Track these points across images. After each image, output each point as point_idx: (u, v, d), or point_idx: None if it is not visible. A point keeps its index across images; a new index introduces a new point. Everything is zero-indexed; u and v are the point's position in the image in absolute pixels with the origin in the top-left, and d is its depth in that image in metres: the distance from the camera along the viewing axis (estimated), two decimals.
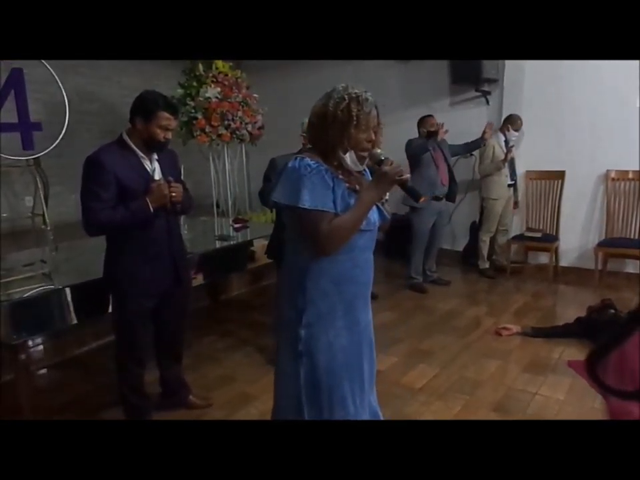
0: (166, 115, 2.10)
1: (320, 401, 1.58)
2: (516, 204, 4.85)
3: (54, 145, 3.86)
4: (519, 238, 4.77)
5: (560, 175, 4.66)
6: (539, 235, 4.62)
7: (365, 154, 1.53)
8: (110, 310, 2.37)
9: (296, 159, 1.50)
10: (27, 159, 3.91)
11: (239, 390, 2.79)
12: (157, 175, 2.21)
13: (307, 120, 2.85)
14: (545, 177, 4.76)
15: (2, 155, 3.70)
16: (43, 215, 4.16)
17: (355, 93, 1.47)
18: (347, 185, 1.51)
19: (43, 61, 3.80)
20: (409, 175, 1.55)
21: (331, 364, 1.56)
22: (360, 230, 1.50)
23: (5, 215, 4.16)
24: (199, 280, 2.93)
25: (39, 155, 3.91)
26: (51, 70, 3.88)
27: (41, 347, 3.22)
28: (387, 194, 1.60)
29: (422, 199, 1.65)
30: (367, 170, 1.65)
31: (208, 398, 2.67)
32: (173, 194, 2.16)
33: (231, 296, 4.45)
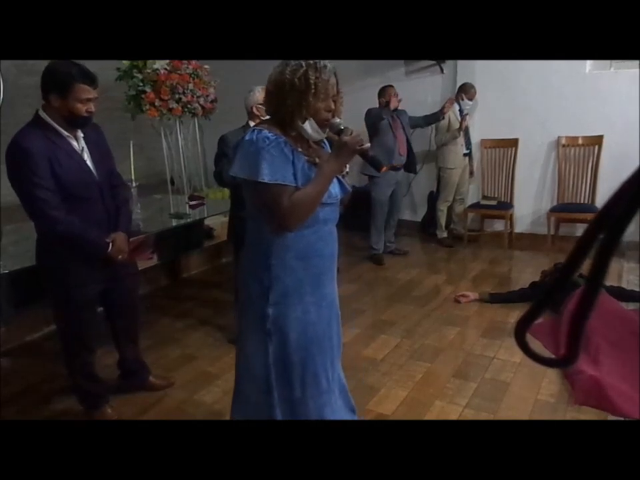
0: (83, 86, 1.91)
1: (291, 379, 1.56)
2: (471, 173, 4.92)
3: None
4: (475, 206, 4.86)
5: (513, 143, 4.73)
6: (494, 202, 4.72)
7: (325, 123, 1.47)
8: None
9: (253, 131, 1.43)
10: None
11: (200, 369, 2.75)
12: (86, 155, 2.06)
13: (255, 90, 2.77)
14: (499, 145, 4.84)
15: None
16: None
17: (313, 60, 1.40)
18: (307, 157, 1.46)
19: None
20: (369, 145, 1.51)
21: (302, 340, 1.54)
22: (322, 203, 1.46)
23: None
24: (154, 260, 2.84)
25: None
26: None
27: None
28: (348, 166, 1.56)
29: (383, 168, 1.64)
30: (325, 142, 1.61)
31: (169, 378, 2.63)
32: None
33: (190, 274, 4.36)
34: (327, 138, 1.57)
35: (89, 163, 2.06)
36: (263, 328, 1.52)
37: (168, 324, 3.34)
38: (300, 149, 1.46)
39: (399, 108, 4.30)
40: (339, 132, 1.47)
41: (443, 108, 4.53)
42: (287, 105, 1.41)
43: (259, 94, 2.73)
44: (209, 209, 3.62)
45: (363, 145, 1.47)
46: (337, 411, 1.70)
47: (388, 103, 4.16)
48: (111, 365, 2.55)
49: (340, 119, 1.51)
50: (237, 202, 2.80)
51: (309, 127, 1.45)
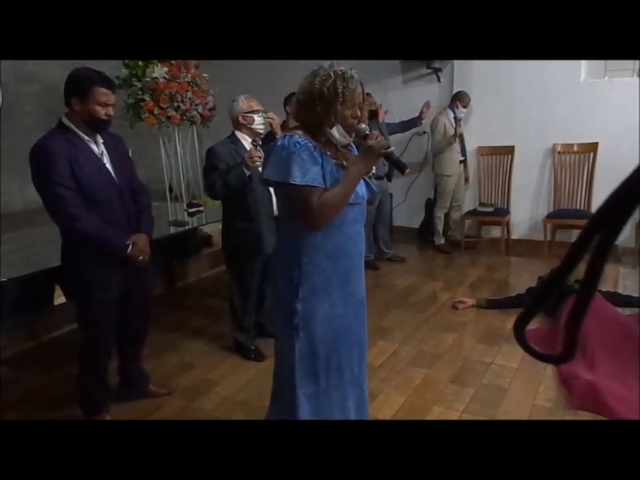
0: (103, 90, 1.99)
1: (316, 372, 1.62)
2: (467, 180, 4.95)
3: None
4: (472, 213, 4.89)
5: (510, 150, 4.77)
6: (491, 209, 4.75)
7: (351, 129, 1.57)
8: (59, 302, 2.28)
9: (285, 137, 1.53)
10: None
11: (199, 377, 2.75)
12: (105, 159, 2.12)
13: (239, 99, 2.77)
14: (495, 152, 4.87)
15: None
16: None
17: (341, 70, 1.51)
18: (335, 160, 1.56)
19: None
20: (393, 148, 1.61)
21: (327, 334, 1.61)
22: (349, 204, 1.54)
23: None
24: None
25: None
26: None
27: None
28: (374, 168, 1.66)
29: (407, 171, 1.78)
30: (353, 146, 1.69)
31: (168, 386, 2.63)
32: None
33: (188, 282, 4.36)
34: (353, 142, 1.67)
35: (108, 166, 2.12)
36: (292, 323, 1.59)
37: (166, 332, 3.33)
38: (328, 153, 1.55)
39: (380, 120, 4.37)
40: (365, 136, 1.57)
41: (420, 113, 4.63)
42: (316, 112, 1.52)
43: (242, 103, 2.74)
44: (207, 216, 3.64)
45: (387, 148, 1.56)
46: (361, 405, 1.76)
47: (371, 113, 4.18)
48: (111, 372, 2.54)
49: (365, 124, 1.60)
50: (230, 212, 2.81)
51: (336, 132, 1.55)
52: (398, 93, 4.58)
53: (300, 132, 1.54)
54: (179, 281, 4.27)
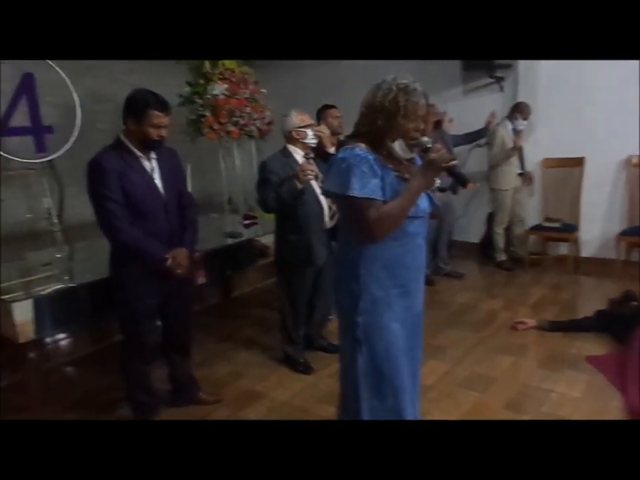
0: (157, 113, 2.10)
1: (382, 390, 1.60)
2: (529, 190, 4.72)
3: (66, 148, 3.90)
4: (537, 228, 4.64)
5: (579, 162, 4.50)
6: (557, 224, 4.48)
7: (414, 142, 1.55)
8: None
9: (345, 149, 1.55)
10: (40, 162, 3.96)
11: (247, 387, 2.79)
12: (156, 175, 2.22)
13: (291, 114, 2.79)
14: (563, 165, 4.60)
15: (15, 158, 3.77)
16: (59, 216, 4.23)
17: (403, 84, 1.50)
18: (396, 173, 1.54)
19: (54, 65, 3.83)
20: (456, 162, 1.57)
21: (391, 350, 1.59)
22: (409, 217, 1.53)
23: (28, 216, 4.25)
24: (204, 278, 2.92)
25: (51, 157, 3.96)
26: (62, 73, 3.92)
27: (63, 342, 3.29)
28: (438, 181, 1.61)
29: (470, 185, 1.72)
30: (417, 158, 1.66)
31: (217, 394, 2.68)
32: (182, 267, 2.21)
33: (244, 292, 4.45)
34: (418, 155, 1.65)
35: (157, 181, 2.22)
36: (353, 336, 1.59)
37: (218, 341, 3.42)
38: (390, 165, 1.54)
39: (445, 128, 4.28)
40: (426, 150, 1.54)
41: (487, 124, 4.45)
42: (377, 125, 1.52)
43: (295, 117, 2.76)
44: (262, 227, 3.70)
45: (450, 162, 1.52)
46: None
47: (435, 123, 4.10)
48: (163, 379, 2.63)
49: (428, 137, 1.58)
50: (282, 224, 2.84)
51: (397, 146, 1.55)
52: (458, 104, 4.45)
53: (362, 144, 1.54)
54: (235, 291, 4.37)
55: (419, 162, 1.66)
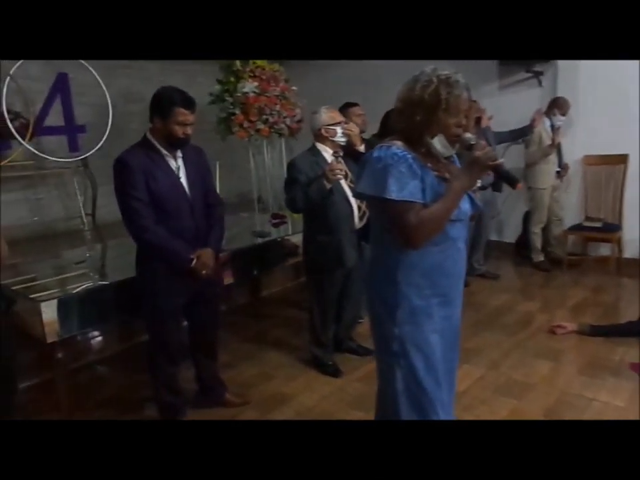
0: (182, 110, 2.08)
1: (424, 406, 1.49)
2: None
3: (98, 147, 3.95)
4: (577, 228, 4.45)
5: (622, 159, 4.29)
6: (599, 224, 4.28)
7: (455, 139, 1.44)
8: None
9: (381, 147, 1.44)
10: (73, 160, 4.03)
11: (275, 389, 2.75)
12: (182, 173, 2.20)
13: (321, 111, 2.73)
14: (605, 162, 4.40)
15: (49, 157, 3.85)
16: (92, 214, 4.30)
17: (445, 75, 1.38)
18: (436, 173, 1.44)
19: (88, 65, 3.90)
20: (502, 160, 1.46)
21: (430, 363, 1.48)
22: (451, 220, 1.42)
23: (62, 214, 4.33)
24: (232, 278, 2.89)
25: (84, 156, 4.02)
26: (95, 74, 3.97)
27: (96, 339, 3.33)
28: (479, 181, 1.51)
29: (518, 185, 1.62)
30: (455, 157, 1.56)
31: (245, 396, 2.65)
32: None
33: (272, 292, 4.42)
34: (456, 153, 1.54)
35: (183, 180, 2.21)
36: (390, 350, 1.50)
37: (245, 342, 3.39)
38: (429, 165, 1.44)
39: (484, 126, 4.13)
40: (470, 147, 1.43)
41: (533, 121, 4.27)
42: (416, 121, 1.41)
43: (325, 115, 2.70)
44: (291, 227, 3.66)
45: (495, 160, 1.42)
46: None
47: (478, 120, 3.98)
48: (190, 379, 2.62)
49: (471, 133, 1.47)
50: (310, 224, 2.78)
51: (438, 143, 1.43)
52: (494, 100, 4.30)
53: (398, 142, 1.43)
54: (264, 291, 4.34)
55: (457, 162, 1.56)
